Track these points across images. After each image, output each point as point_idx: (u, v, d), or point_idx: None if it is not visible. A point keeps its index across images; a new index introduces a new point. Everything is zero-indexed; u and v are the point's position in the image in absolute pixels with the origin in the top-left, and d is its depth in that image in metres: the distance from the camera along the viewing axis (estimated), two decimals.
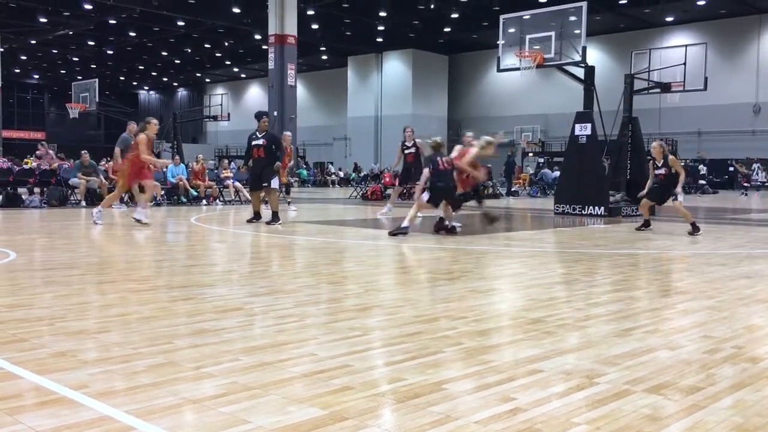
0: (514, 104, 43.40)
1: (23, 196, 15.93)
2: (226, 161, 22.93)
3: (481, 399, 2.69)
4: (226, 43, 45.00)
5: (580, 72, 14.93)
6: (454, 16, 37.05)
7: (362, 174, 36.48)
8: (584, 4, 13.75)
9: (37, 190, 16.63)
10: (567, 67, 14.86)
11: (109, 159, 20.14)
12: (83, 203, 15.94)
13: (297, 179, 32.63)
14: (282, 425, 2.39)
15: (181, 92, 66.67)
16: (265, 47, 29.20)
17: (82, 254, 7.45)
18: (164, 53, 49.63)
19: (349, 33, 41.85)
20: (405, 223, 9.23)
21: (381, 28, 40.35)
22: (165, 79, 62.60)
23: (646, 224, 10.69)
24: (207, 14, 35.47)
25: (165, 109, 62.59)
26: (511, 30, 15.17)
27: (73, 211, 14.66)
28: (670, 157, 10.25)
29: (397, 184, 15.24)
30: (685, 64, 15.75)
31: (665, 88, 16.15)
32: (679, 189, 10.07)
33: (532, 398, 2.71)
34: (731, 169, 33.45)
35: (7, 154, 33.65)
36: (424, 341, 3.61)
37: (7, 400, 2.62)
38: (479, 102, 46.33)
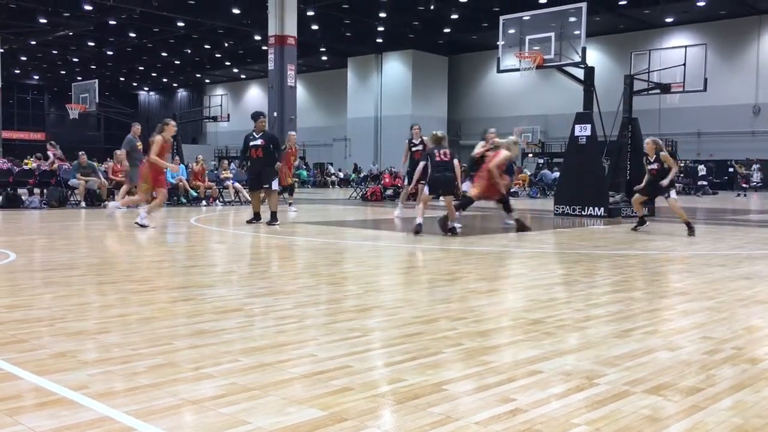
0: (513, 105, 43.40)
1: (23, 197, 15.94)
2: (226, 162, 22.92)
3: (481, 400, 2.69)
4: (226, 44, 45.03)
5: (579, 73, 14.94)
6: (454, 16, 37.06)
7: (362, 175, 36.48)
8: (584, 5, 13.76)
9: (36, 190, 16.64)
10: (567, 68, 14.86)
11: (109, 160, 20.14)
12: (83, 204, 15.94)
13: (297, 180, 32.57)
14: (282, 426, 2.39)
15: (181, 93, 66.69)
16: (264, 48, 29.18)
17: (82, 255, 7.45)
18: (164, 54, 49.64)
19: (348, 34, 41.86)
20: (419, 220, 9.65)
21: (381, 28, 40.38)
22: (165, 80, 62.62)
23: (641, 222, 10.68)
24: (207, 15, 35.49)
25: (165, 109, 62.61)
26: (511, 31, 15.18)
27: (72, 211, 14.67)
28: (662, 153, 10.24)
29: (405, 183, 15.19)
30: (684, 64, 15.76)
31: (665, 88, 16.16)
32: (666, 182, 9.99)
33: (532, 399, 2.71)
34: (731, 170, 33.46)
35: (7, 155, 33.64)
36: (424, 342, 3.61)
37: (7, 400, 2.62)
38: (479, 103, 46.34)
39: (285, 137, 15.67)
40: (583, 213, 13.93)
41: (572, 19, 14.21)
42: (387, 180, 23.13)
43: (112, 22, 38.33)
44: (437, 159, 9.57)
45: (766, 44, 36.48)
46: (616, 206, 13.93)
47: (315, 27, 38.06)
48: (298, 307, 4.57)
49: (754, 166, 32.51)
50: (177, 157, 20.09)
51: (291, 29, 23.68)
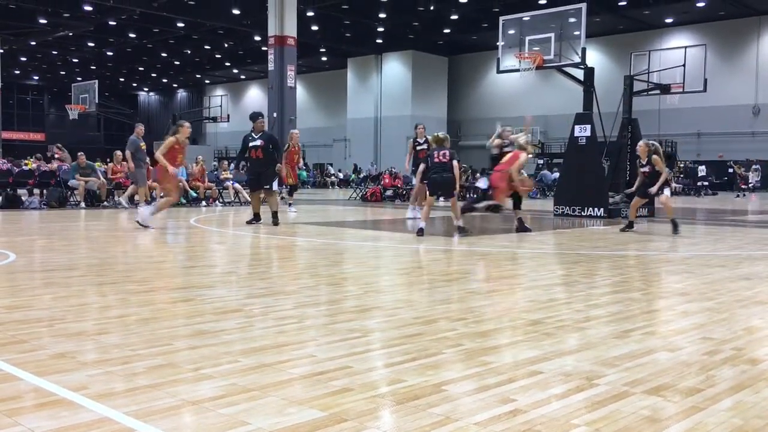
0: (513, 106, 43.36)
1: (23, 198, 15.94)
2: (226, 162, 22.93)
3: (480, 400, 2.69)
4: (226, 45, 45.03)
5: (579, 73, 14.94)
6: (454, 17, 37.07)
7: (362, 175, 36.48)
8: (584, 6, 13.76)
9: (36, 191, 16.64)
10: (567, 69, 14.86)
11: (109, 160, 20.13)
12: (82, 204, 15.94)
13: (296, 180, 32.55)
14: (281, 427, 2.39)
15: (181, 93, 66.69)
16: (264, 48, 29.21)
17: (82, 255, 7.45)
18: (164, 54, 49.65)
19: (348, 34, 41.87)
20: (421, 224, 9.73)
21: (381, 29, 40.39)
22: (165, 81, 62.62)
23: (630, 225, 10.75)
24: (207, 16, 35.50)
25: (164, 110, 62.66)
26: (511, 31, 15.18)
27: (72, 212, 14.66)
28: (654, 156, 10.34)
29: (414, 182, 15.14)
30: (684, 65, 15.76)
31: (665, 89, 16.15)
32: (654, 189, 10.22)
33: (532, 399, 2.71)
34: (730, 170, 33.49)
35: (7, 156, 33.64)
36: (424, 343, 3.61)
37: (6, 401, 2.62)
38: (479, 103, 46.36)
39: (287, 136, 15.65)
40: (582, 214, 13.93)
41: (572, 19, 14.22)
42: (387, 180, 23.12)
43: (112, 23, 38.34)
44: (435, 160, 9.64)
45: (765, 45, 36.50)
46: (615, 207, 13.94)
47: (315, 27, 38.07)
48: (298, 307, 4.57)
49: (753, 167, 32.54)
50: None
51: (291, 30, 23.70)
